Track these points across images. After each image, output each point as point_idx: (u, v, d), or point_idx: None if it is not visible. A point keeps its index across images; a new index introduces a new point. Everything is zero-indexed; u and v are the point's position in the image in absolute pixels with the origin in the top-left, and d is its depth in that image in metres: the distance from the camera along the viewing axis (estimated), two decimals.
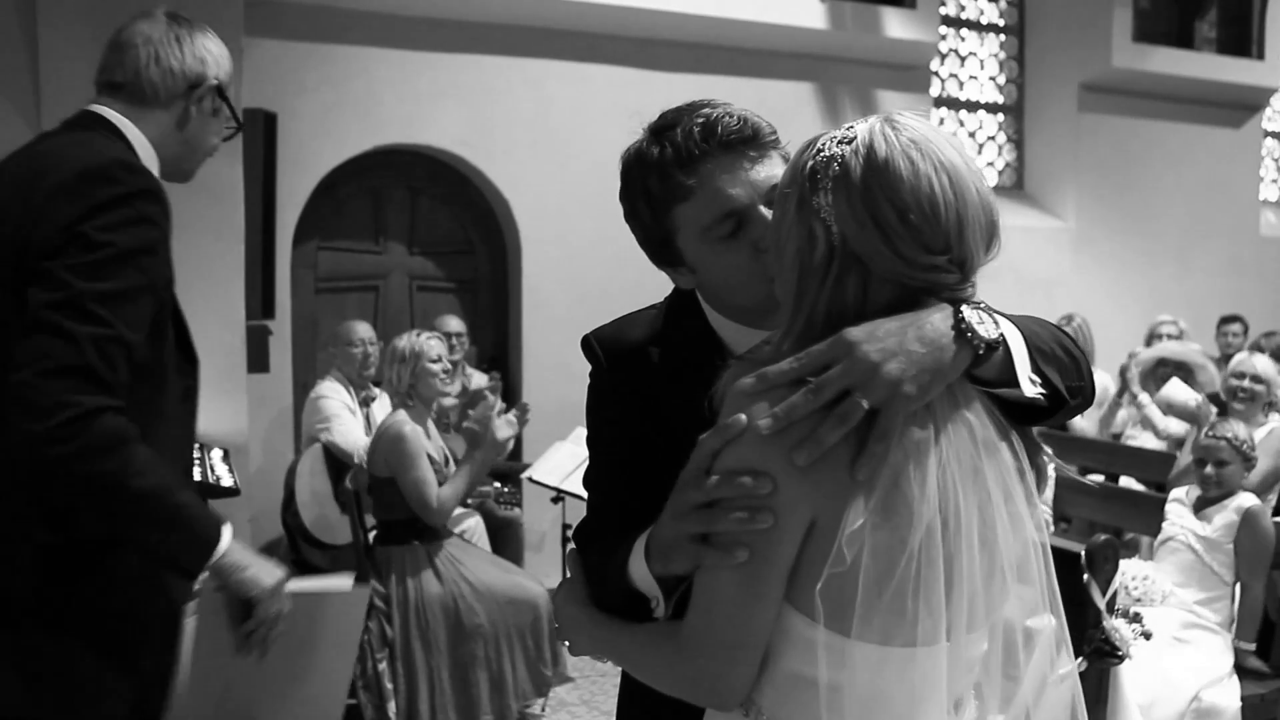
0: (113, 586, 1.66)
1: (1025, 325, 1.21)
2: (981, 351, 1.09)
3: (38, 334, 1.53)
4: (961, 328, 1.09)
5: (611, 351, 1.44)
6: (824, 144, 1.13)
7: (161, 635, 1.74)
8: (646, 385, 1.39)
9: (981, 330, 1.09)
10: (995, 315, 1.14)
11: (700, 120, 1.30)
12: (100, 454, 1.52)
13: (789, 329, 1.14)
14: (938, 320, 1.09)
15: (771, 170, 1.31)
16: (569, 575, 1.39)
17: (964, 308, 1.10)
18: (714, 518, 1.08)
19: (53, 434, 1.49)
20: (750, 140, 1.31)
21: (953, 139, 1.13)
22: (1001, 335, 1.12)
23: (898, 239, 1.08)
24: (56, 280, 1.56)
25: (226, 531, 1.70)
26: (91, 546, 1.64)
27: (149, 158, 1.87)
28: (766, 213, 1.28)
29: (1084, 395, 1.27)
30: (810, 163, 1.13)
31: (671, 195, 1.32)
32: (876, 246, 1.08)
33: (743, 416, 1.07)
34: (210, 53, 1.91)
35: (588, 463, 1.50)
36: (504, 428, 3.59)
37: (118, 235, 1.61)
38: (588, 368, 1.48)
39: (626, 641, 1.26)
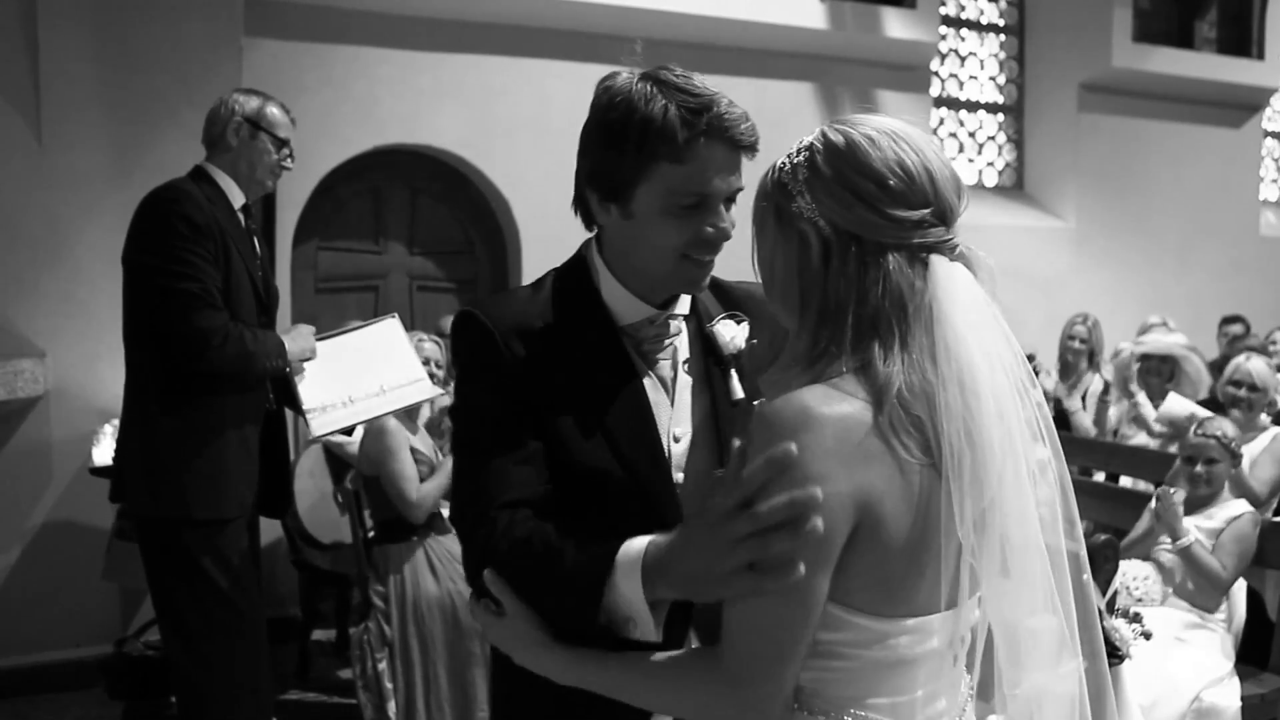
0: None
1: None
2: None
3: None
4: None
5: (501, 323, 1.42)
6: (782, 161, 1.22)
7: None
8: (535, 355, 1.40)
9: None
10: None
11: (725, 111, 1.37)
12: (239, 344, 2.77)
13: (801, 326, 1.19)
14: None
15: (742, 182, 1.42)
16: (503, 608, 1.30)
17: None
18: (767, 543, 1.04)
19: (217, 352, 2.73)
20: (748, 149, 1.41)
21: (892, 119, 1.20)
22: None
23: (885, 204, 1.15)
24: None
25: (287, 341, 2.92)
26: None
27: (227, 183, 2.92)
28: (722, 211, 1.40)
29: None
30: (775, 177, 1.22)
31: (664, 152, 1.36)
32: (867, 218, 1.15)
33: (792, 446, 1.03)
34: (239, 102, 2.95)
35: (458, 436, 1.44)
36: None
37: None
38: None
39: (632, 677, 1.20)
